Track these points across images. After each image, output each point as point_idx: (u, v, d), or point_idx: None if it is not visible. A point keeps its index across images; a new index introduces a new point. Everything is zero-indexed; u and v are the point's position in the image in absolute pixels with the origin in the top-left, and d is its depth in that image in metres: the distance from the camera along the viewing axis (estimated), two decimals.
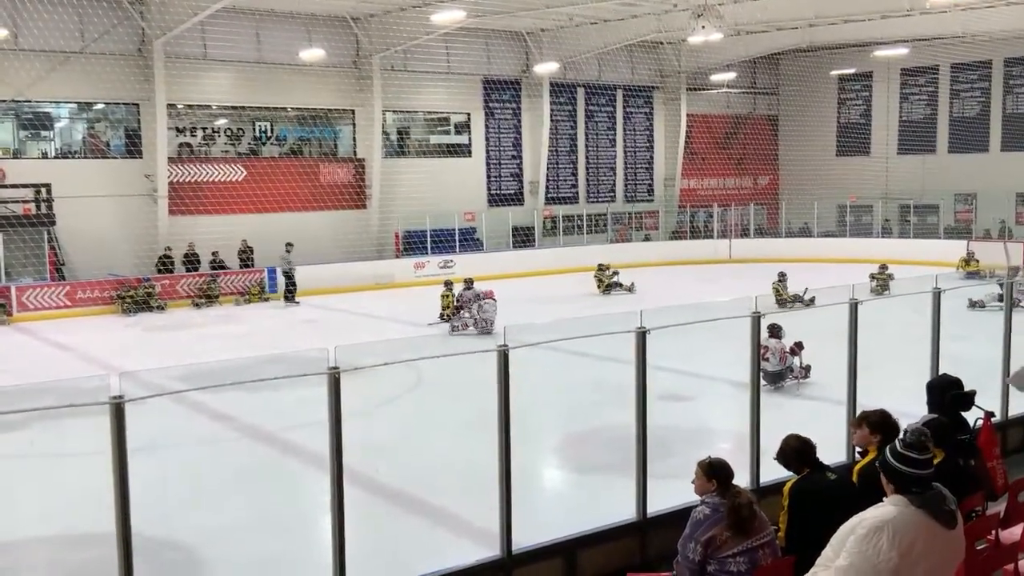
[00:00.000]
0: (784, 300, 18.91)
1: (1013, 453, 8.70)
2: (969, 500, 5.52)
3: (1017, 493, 5.90)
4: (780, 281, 19.93)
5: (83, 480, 8.90)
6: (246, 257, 25.42)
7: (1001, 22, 26.64)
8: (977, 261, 25.24)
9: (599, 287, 24.17)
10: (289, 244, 24.05)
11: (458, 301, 19.06)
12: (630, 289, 23.95)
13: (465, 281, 19.77)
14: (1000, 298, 18.39)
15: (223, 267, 24.81)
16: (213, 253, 24.78)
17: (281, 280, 24.33)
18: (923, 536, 3.73)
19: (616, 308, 19.28)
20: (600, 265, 24.74)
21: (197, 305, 23.46)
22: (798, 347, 12.82)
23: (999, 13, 25.59)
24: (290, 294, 23.85)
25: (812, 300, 15.91)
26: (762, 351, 12.19)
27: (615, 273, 24.53)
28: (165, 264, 23.93)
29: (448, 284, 19.87)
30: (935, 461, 3.95)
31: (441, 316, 19.33)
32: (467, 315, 18.62)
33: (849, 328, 7.62)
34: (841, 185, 33.78)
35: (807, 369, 12.81)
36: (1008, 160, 31.98)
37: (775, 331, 12.66)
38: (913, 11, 25.64)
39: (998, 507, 5.80)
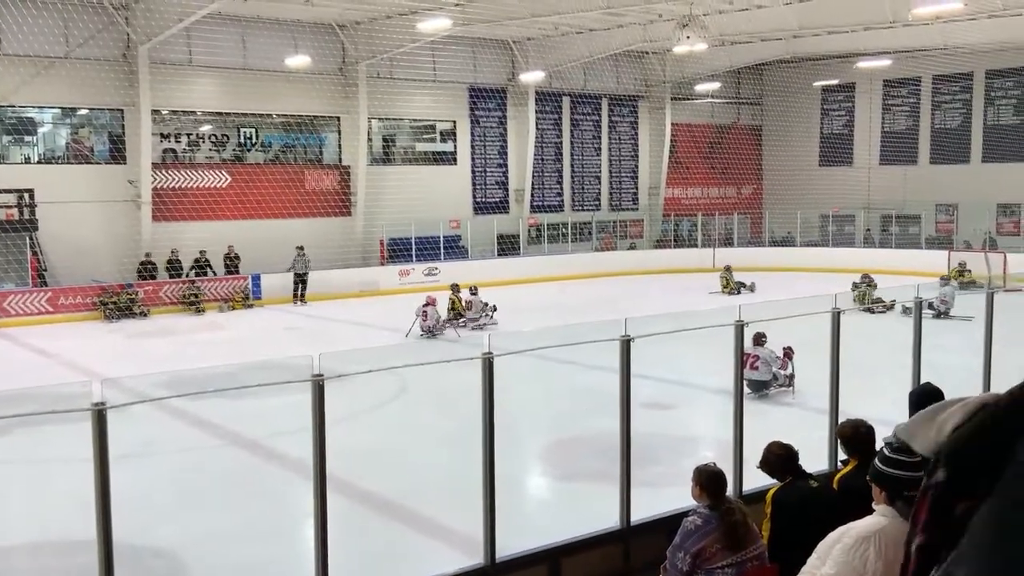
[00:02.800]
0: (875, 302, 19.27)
1: None
2: None
3: None
4: (868, 284, 21.15)
5: (65, 487, 8.86)
6: (232, 264, 25.34)
7: (982, 35, 26.89)
8: (970, 271, 25.07)
9: (724, 287, 25.68)
10: (300, 247, 24.93)
11: (467, 307, 20.01)
12: (751, 288, 25.31)
13: (471, 289, 20.47)
14: (931, 306, 18.80)
15: (209, 266, 24.71)
16: (201, 252, 24.67)
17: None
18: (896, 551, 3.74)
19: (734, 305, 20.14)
20: (727, 267, 26.56)
21: (198, 310, 23.43)
22: (789, 353, 12.85)
23: (980, 26, 25.83)
24: (302, 295, 24.96)
25: (892, 304, 16.60)
26: (752, 359, 12.39)
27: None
28: (147, 270, 23.79)
29: (455, 288, 20.18)
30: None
31: (450, 319, 19.82)
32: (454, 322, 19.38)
33: (831, 337, 7.67)
34: (824, 195, 34.00)
35: (791, 378, 12.85)
36: (989, 171, 32.26)
37: (759, 339, 12.71)
38: (896, 23, 25.86)
39: None
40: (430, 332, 18.75)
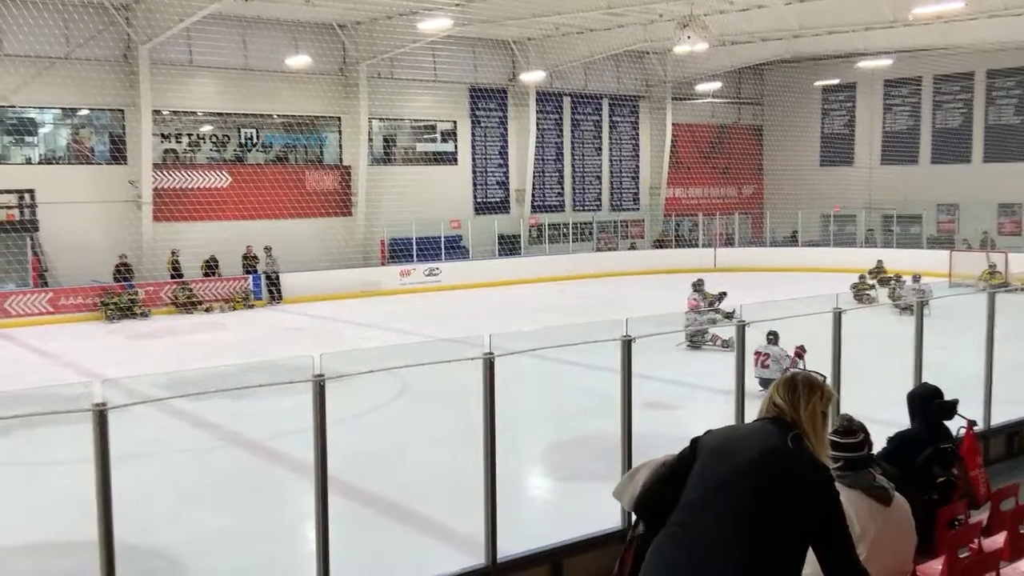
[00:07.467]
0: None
1: (995, 462, 8.75)
2: (952, 508, 5.56)
3: (999, 502, 5.94)
4: (899, 284, 21.42)
5: (66, 488, 8.85)
6: (251, 264, 25.38)
7: (983, 34, 26.88)
8: (1000, 273, 24.50)
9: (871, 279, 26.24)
10: (268, 247, 25.12)
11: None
12: (901, 283, 25.49)
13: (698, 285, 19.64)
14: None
15: (216, 268, 24.74)
16: (212, 256, 24.72)
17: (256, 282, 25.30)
18: (861, 512, 4.08)
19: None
20: (879, 261, 27.23)
21: (187, 311, 23.41)
22: (801, 352, 12.79)
23: (981, 25, 25.82)
24: (278, 295, 25.10)
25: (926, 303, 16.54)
26: (762, 357, 12.42)
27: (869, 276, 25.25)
28: (122, 272, 23.55)
29: (697, 284, 19.65)
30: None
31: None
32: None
33: (833, 337, 7.66)
34: (825, 195, 34.01)
35: None
36: (990, 171, 32.24)
37: (773, 338, 12.69)
38: (896, 23, 25.84)
39: (981, 516, 5.83)
40: (691, 340, 16.45)
